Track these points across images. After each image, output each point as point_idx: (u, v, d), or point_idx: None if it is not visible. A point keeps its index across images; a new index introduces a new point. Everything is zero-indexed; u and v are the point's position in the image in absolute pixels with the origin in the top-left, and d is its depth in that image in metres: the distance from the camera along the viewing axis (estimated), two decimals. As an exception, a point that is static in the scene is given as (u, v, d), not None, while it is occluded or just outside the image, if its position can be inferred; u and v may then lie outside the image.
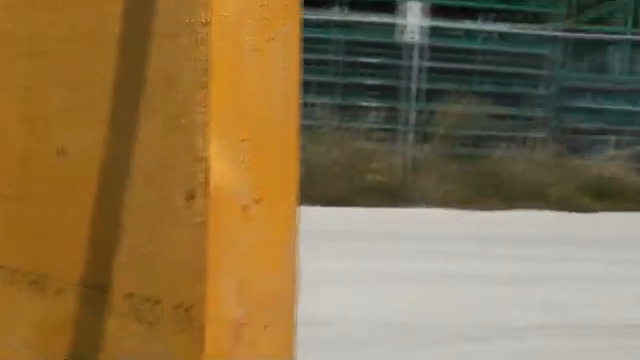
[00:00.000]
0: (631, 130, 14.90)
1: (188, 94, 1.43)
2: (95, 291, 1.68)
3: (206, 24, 1.39)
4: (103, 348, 1.66)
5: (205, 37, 1.39)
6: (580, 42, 14.96)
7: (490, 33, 14.95)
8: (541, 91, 14.89)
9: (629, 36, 15.35)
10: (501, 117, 14.33)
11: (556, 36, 14.68)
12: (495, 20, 14.77)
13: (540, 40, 14.80)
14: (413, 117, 14.04)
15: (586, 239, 11.06)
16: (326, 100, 13.79)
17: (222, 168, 1.39)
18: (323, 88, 13.80)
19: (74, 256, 1.74)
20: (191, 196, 1.41)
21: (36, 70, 1.88)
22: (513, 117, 14.58)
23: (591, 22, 15.46)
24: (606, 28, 15.64)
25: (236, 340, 1.39)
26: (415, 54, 13.95)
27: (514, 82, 14.75)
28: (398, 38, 13.96)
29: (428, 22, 13.86)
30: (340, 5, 14.31)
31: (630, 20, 15.59)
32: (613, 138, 14.82)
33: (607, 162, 14.24)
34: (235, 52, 1.40)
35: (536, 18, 15.14)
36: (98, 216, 1.70)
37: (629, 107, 15.09)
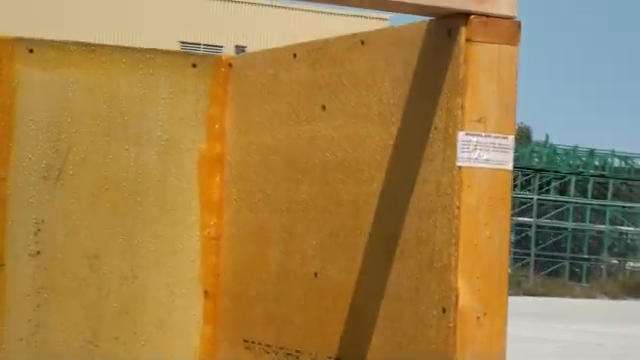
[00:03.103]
0: None
1: (440, 248, 2.37)
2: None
3: (456, 207, 2.34)
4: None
5: (457, 215, 2.34)
6: None
7: None
8: None
9: None
10: None
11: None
12: None
13: None
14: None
15: None
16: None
17: (465, 294, 2.33)
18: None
19: (328, 338, 2.66)
20: (444, 310, 2.34)
21: (294, 220, 2.81)
22: None
23: None
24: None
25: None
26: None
27: None
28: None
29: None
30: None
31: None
32: None
33: None
34: (473, 224, 2.35)
35: None
36: (351, 318, 2.62)
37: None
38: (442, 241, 2.38)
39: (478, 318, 2.35)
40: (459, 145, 2.37)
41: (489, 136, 2.39)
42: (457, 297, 2.34)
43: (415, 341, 2.42)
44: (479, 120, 2.38)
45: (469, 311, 2.34)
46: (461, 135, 2.37)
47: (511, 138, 2.41)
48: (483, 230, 2.37)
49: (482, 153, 2.38)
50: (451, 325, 2.34)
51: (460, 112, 2.37)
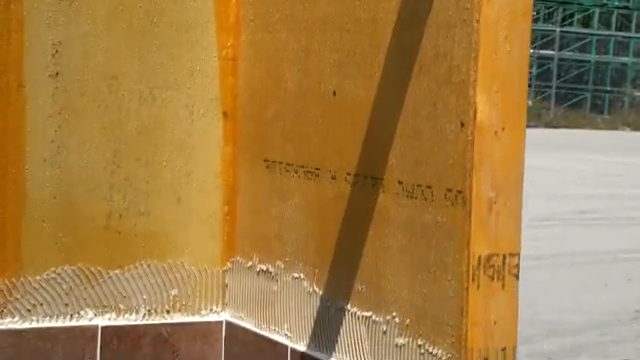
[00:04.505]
0: None
1: (458, 63, 2.36)
2: (367, 179, 2.62)
3: (475, 21, 2.32)
4: (373, 214, 2.59)
5: (476, 28, 2.32)
6: None
7: None
8: None
9: None
10: None
11: None
12: None
13: None
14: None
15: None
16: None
17: (483, 108, 2.33)
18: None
19: (347, 156, 2.68)
20: (463, 125, 2.34)
21: (312, 39, 2.80)
22: None
23: None
24: None
25: (489, 212, 2.34)
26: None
27: None
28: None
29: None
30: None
31: None
32: None
33: None
34: (493, 38, 2.33)
35: None
36: (369, 135, 2.63)
37: None
38: (461, 56, 2.36)
39: (496, 132, 2.35)
40: (478, -42, 2.33)
41: (509, -52, 2.34)
42: (475, 111, 2.33)
43: (433, 156, 2.43)
44: None
45: (487, 125, 2.34)
46: (480, -53, 2.33)
47: (531, -50, 2.37)
48: (503, 44, 2.35)
49: (501, -34, 2.34)
50: (469, 139, 2.34)
51: None
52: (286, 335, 2.91)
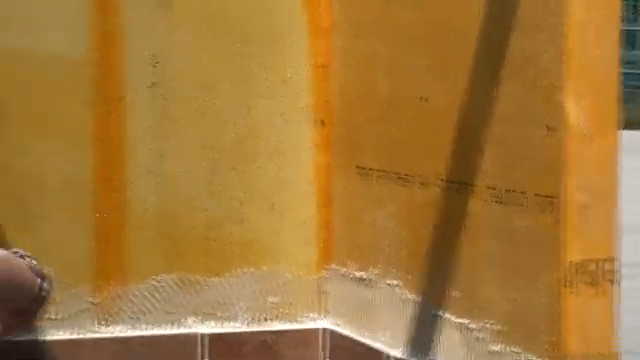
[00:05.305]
0: None
1: (547, 67, 2.33)
2: (457, 184, 2.60)
3: (564, 24, 2.28)
4: (463, 221, 2.58)
5: (564, 32, 2.29)
6: None
7: None
8: None
9: None
10: None
11: None
12: None
13: None
14: None
15: None
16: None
17: (571, 111, 2.30)
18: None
19: (437, 162, 2.66)
20: (551, 129, 2.31)
21: (401, 46, 2.79)
22: None
23: None
24: None
25: (582, 217, 2.30)
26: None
27: None
28: None
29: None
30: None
31: None
32: None
33: None
34: (581, 41, 2.30)
35: None
36: (458, 141, 2.61)
37: None
38: (549, 60, 2.33)
39: (587, 136, 2.31)
40: (565, -40, 2.29)
41: (597, -52, 2.31)
42: (565, 115, 2.30)
43: (523, 162, 2.40)
44: None
45: (577, 129, 2.31)
46: (567, -51, 2.29)
47: (620, -50, 2.32)
48: (592, 48, 2.31)
49: (590, -32, 2.30)
50: (559, 144, 2.31)
51: None
52: (383, 341, 2.91)
